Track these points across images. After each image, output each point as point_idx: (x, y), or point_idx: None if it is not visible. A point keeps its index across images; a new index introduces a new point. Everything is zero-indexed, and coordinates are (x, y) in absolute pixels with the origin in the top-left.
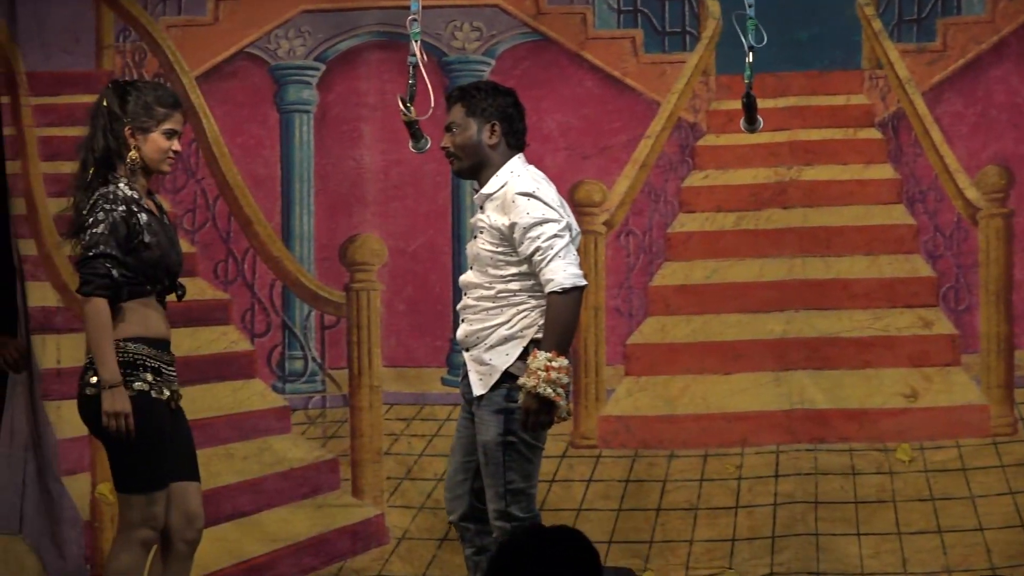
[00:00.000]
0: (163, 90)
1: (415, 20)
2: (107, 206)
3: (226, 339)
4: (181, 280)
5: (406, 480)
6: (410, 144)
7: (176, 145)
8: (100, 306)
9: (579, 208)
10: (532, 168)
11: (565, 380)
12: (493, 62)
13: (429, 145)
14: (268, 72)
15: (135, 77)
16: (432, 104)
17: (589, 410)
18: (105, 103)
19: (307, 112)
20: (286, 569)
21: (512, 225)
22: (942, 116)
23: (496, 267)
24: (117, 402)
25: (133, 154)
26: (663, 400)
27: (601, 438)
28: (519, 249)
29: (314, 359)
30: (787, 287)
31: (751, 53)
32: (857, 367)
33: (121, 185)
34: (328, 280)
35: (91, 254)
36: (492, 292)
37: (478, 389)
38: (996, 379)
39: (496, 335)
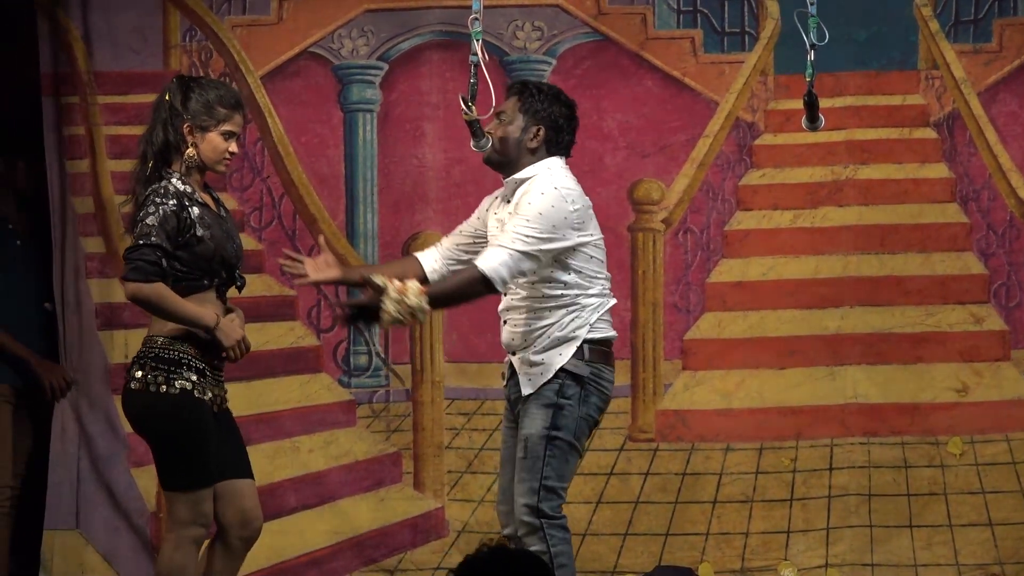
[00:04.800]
0: (226, 90)
1: (477, 19)
2: (158, 199)
3: (293, 334)
4: (246, 275)
5: (467, 474)
6: (471, 143)
7: (234, 147)
8: (158, 286)
9: (638, 206)
10: (570, 174)
11: (403, 314)
12: (554, 61)
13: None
14: (332, 71)
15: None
16: (493, 103)
17: (647, 404)
18: (168, 98)
19: (370, 111)
20: (348, 561)
21: (519, 201)
22: (997, 116)
23: (547, 267)
24: (232, 332)
25: (191, 151)
26: (719, 394)
27: (658, 432)
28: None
29: (378, 354)
30: (842, 284)
31: (812, 51)
32: (909, 362)
33: (174, 180)
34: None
35: (141, 243)
36: (538, 293)
37: (527, 388)
38: None
39: (548, 337)
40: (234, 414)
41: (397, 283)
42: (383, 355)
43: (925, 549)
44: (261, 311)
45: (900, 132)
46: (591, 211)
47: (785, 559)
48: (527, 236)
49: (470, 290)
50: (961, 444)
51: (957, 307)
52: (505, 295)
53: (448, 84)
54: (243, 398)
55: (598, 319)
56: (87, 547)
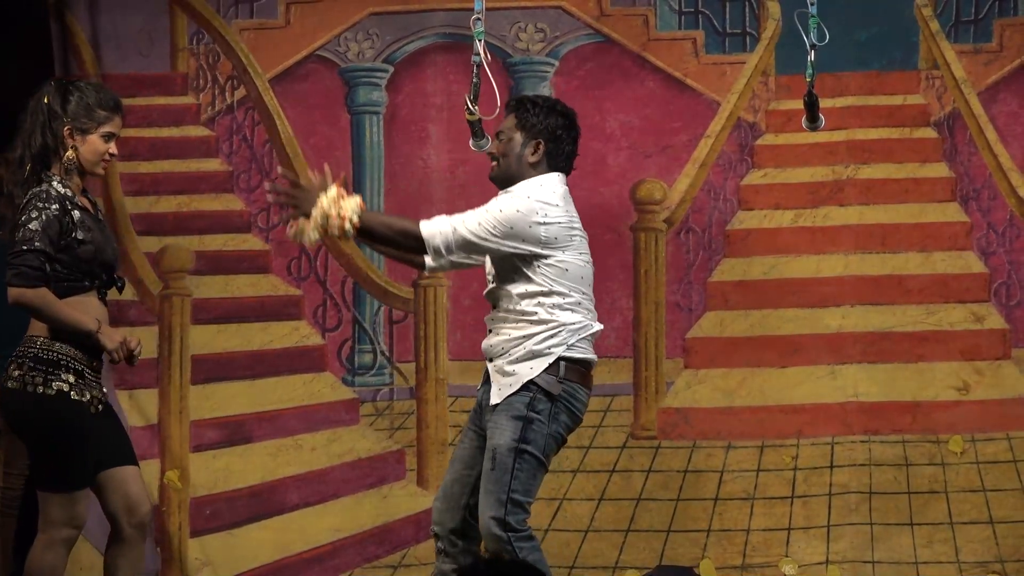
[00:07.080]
0: (105, 93)
1: (479, 19)
2: (40, 204)
3: (298, 333)
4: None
5: None
6: (471, 142)
7: (113, 148)
8: (42, 291)
9: (640, 206)
10: (561, 190)
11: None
12: (556, 63)
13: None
14: (338, 74)
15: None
16: (498, 104)
17: (649, 402)
18: (46, 101)
19: (377, 113)
20: (351, 557)
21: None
22: (997, 116)
23: (522, 281)
24: (113, 337)
25: (70, 154)
26: (721, 392)
27: (660, 429)
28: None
29: (383, 353)
30: (843, 283)
31: (813, 52)
32: (910, 361)
33: (55, 183)
34: (397, 276)
35: (24, 248)
36: (521, 307)
37: (495, 398)
38: None
39: (523, 349)
40: (238, 412)
41: (342, 189)
42: (388, 353)
43: (926, 547)
44: (267, 310)
45: (901, 132)
46: (574, 232)
47: (786, 556)
48: (478, 224)
49: (401, 237)
50: (962, 442)
51: (958, 306)
52: (495, 308)
53: (452, 86)
54: (247, 396)
55: (578, 340)
56: (87, 546)
